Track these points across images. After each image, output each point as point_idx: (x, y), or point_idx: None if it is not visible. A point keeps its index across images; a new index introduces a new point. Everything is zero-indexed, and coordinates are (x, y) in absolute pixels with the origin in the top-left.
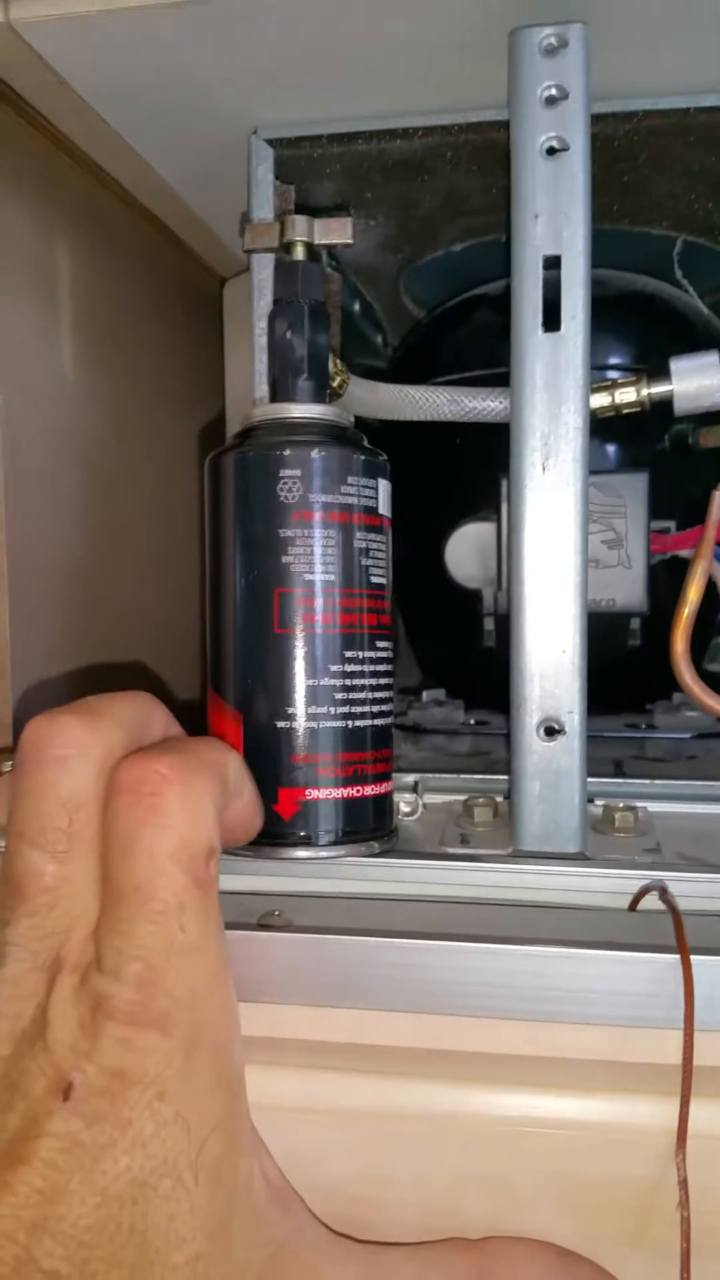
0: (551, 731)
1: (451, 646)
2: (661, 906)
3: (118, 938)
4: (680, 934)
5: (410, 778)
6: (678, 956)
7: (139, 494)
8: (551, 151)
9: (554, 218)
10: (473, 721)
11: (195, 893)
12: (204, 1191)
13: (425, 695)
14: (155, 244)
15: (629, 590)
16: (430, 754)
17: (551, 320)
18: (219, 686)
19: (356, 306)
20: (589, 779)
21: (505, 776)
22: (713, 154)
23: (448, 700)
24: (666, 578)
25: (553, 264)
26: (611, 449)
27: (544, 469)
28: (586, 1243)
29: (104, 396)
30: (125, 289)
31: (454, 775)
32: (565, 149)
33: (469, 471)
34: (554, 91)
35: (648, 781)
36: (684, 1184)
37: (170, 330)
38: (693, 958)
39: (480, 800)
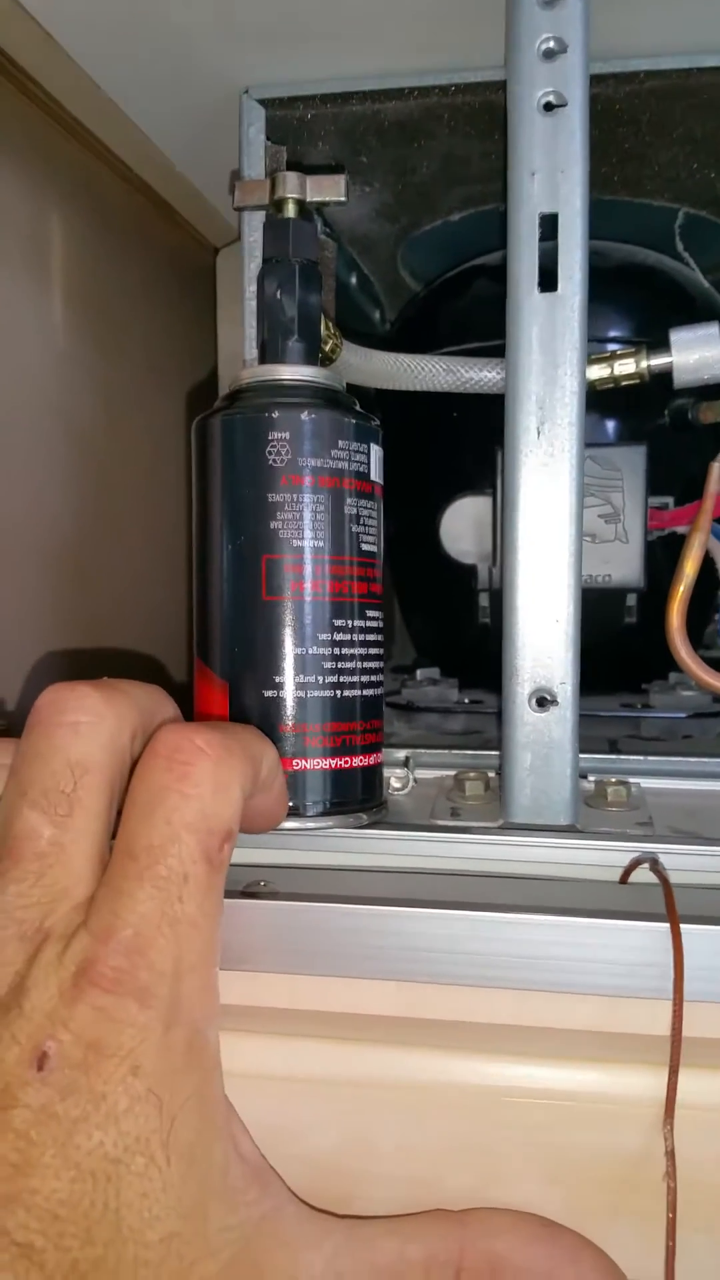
0: (543, 702)
1: (446, 624)
2: (653, 880)
3: (117, 899)
4: (670, 903)
5: (401, 753)
6: (668, 925)
7: (130, 468)
8: (549, 107)
9: (551, 175)
10: (467, 700)
11: (203, 868)
12: (176, 1171)
13: (419, 674)
14: (148, 217)
15: (626, 565)
16: (423, 732)
17: (548, 281)
18: (205, 655)
19: (354, 279)
20: (582, 755)
21: (498, 752)
22: (715, 119)
23: (441, 679)
24: (664, 554)
25: (550, 223)
26: (610, 423)
27: (539, 433)
28: (572, 1213)
29: (95, 370)
30: (118, 262)
31: (445, 751)
32: (563, 105)
33: (464, 445)
34: (552, 44)
35: (641, 758)
36: (671, 1154)
37: (162, 304)
38: (683, 927)
39: (471, 774)
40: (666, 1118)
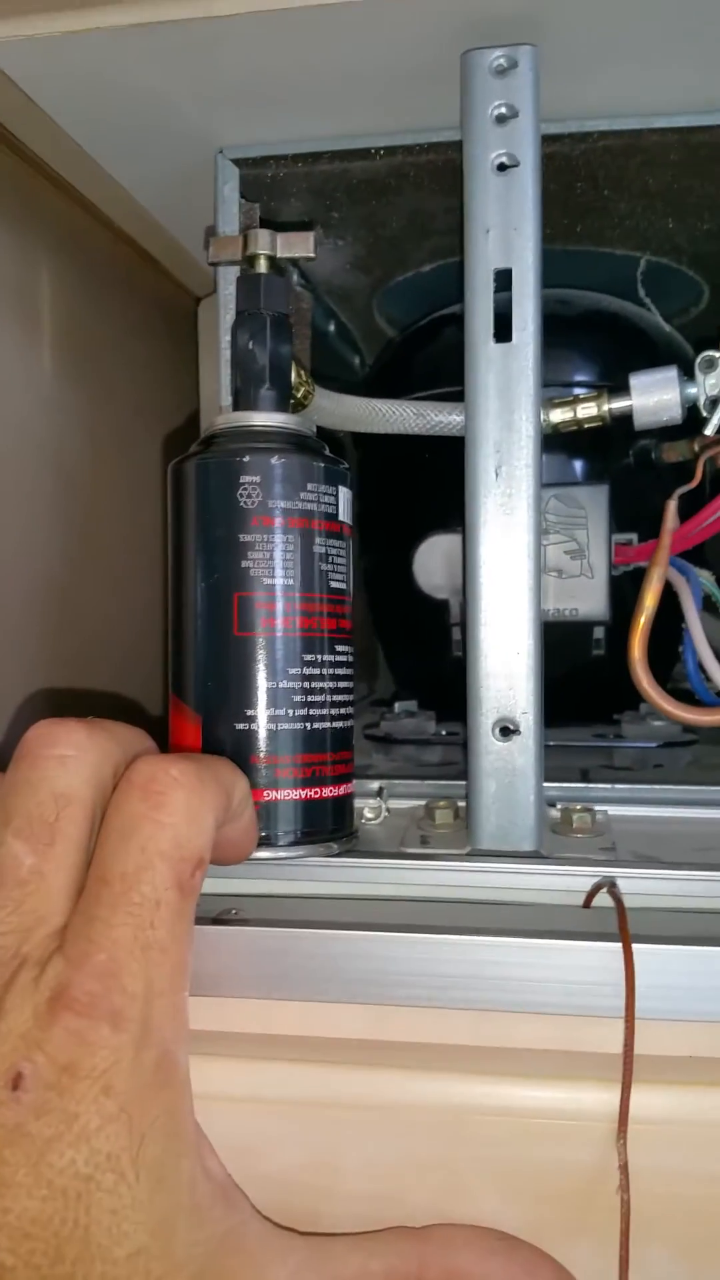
0: (507, 731)
1: (422, 657)
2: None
3: (91, 925)
4: (623, 924)
5: (375, 784)
6: (620, 945)
7: (114, 507)
8: (502, 168)
9: (505, 232)
10: (444, 732)
11: (175, 894)
12: (145, 1188)
13: (397, 706)
14: (132, 263)
15: (591, 599)
16: (401, 764)
17: (503, 331)
18: (179, 689)
19: (332, 327)
20: (552, 784)
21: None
22: (667, 174)
23: (419, 711)
24: (632, 588)
25: (504, 277)
26: (576, 463)
27: (497, 475)
28: (531, 1228)
29: (81, 412)
30: (103, 307)
31: (418, 781)
32: (515, 165)
33: (436, 484)
34: (504, 110)
35: (608, 786)
36: (624, 1168)
37: (147, 347)
38: (635, 946)
39: (441, 803)
40: (620, 1133)
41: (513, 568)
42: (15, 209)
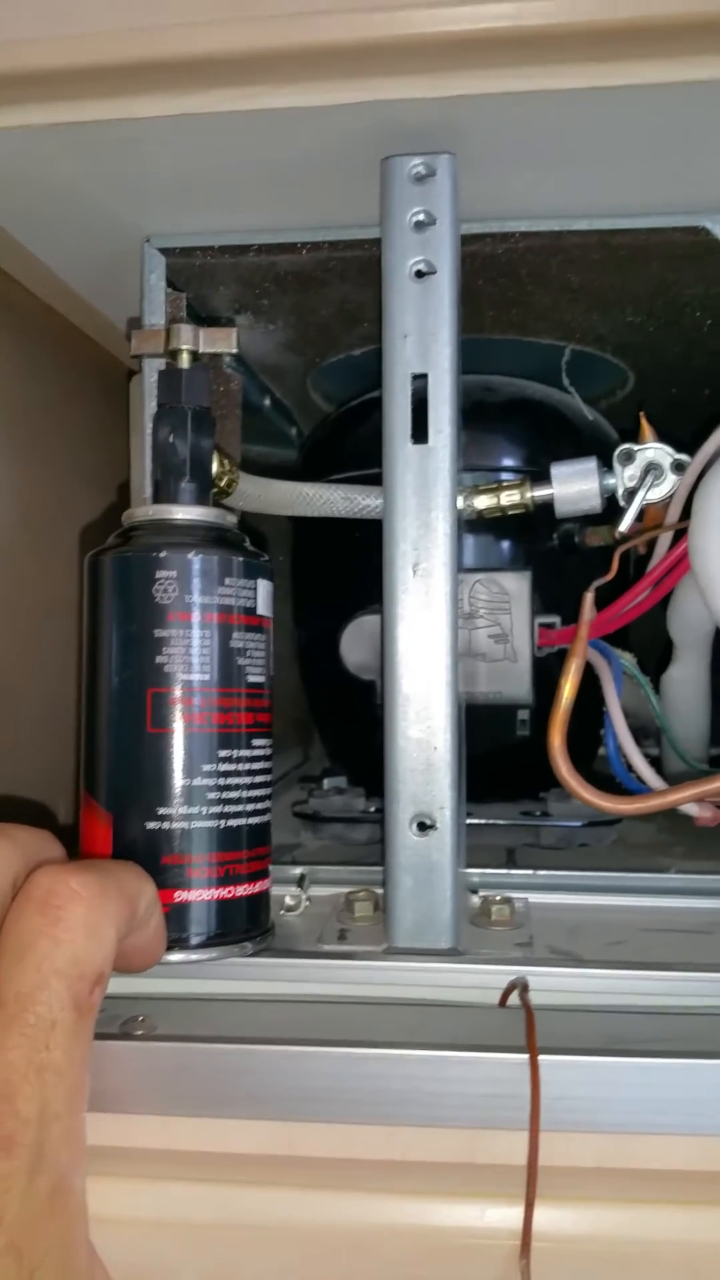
0: (424, 827)
1: (351, 734)
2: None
3: None
4: (531, 1035)
5: (297, 870)
6: (527, 1057)
7: (49, 581)
8: (420, 274)
9: (422, 338)
10: (373, 809)
11: (71, 1014)
12: None
13: (326, 783)
14: (64, 330)
15: (515, 683)
16: (328, 842)
17: (420, 433)
18: (91, 786)
19: (267, 402)
20: (475, 870)
21: None
22: (589, 272)
23: (348, 788)
24: (556, 669)
25: (421, 380)
26: (503, 547)
27: (415, 571)
28: None
29: (15, 482)
30: (39, 376)
31: (342, 866)
32: (433, 272)
33: (367, 564)
34: (422, 217)
35: (530, 873)
36: None
37: (86, 416)
38: (542, 1058)
39: (361, 894)
40: (523, 1252)
41: (430, 663)
42: None
